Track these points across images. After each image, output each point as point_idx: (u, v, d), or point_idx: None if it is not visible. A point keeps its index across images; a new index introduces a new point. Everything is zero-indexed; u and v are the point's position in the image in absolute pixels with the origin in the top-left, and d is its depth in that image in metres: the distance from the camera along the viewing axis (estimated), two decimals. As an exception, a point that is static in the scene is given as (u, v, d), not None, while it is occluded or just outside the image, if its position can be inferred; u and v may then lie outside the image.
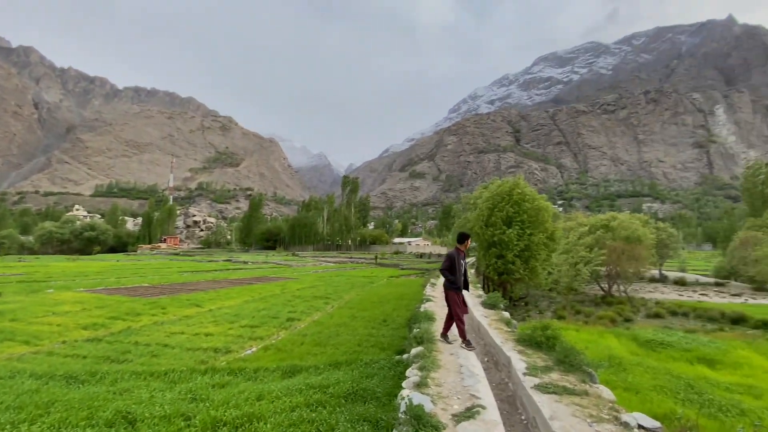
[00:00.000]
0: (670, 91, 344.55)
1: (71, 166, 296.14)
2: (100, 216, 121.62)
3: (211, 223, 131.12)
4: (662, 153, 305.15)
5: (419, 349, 5.92)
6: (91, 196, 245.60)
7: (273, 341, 10.24)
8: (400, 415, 3.34)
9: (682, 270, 42.10)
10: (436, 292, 16.02)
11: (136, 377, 6.24)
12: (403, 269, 40.08)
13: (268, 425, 4.10)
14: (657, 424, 3.28)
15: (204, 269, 37.88)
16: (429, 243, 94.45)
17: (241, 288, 21.86)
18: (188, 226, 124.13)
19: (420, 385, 4.31)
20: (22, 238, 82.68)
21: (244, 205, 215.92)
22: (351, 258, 58.79)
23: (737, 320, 19.18)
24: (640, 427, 3.23)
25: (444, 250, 68.29)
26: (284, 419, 4.23)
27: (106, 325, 12.08)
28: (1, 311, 13.07)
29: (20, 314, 13.11)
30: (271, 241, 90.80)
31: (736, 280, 33.88)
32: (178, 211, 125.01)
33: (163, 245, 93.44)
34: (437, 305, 11.82)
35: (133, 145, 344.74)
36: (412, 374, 4.76)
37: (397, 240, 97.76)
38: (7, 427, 4.17)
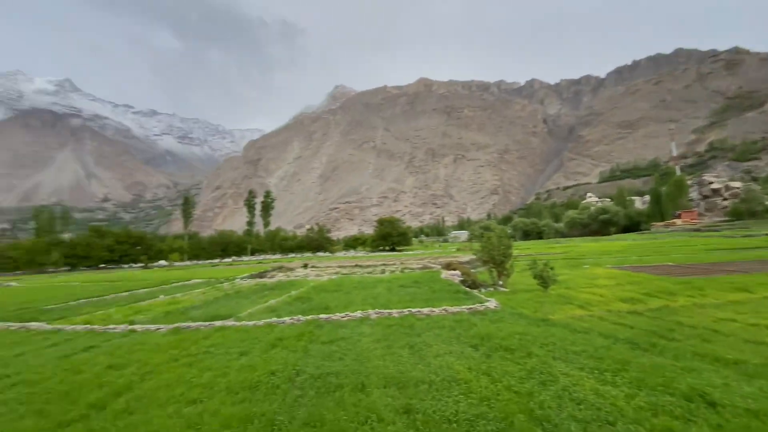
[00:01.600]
0: None
1: (577, 161, 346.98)
2: (609, 199, 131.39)
3: (737, 188, 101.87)
4: None
5: None
6: (598, 183, 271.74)
7: None
8: None
9: None
10: None
11: (700, 359, 5.90)
12: None
13: None
14: None
15: (740, 246, 29.94)
16: None
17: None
18: (705, 197, 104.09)
19: None
20: (555, 225, 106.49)
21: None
22: None
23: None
24: None
25: None
26: None
27: (642, 300, 12.52)
28: (559, 281, 17.31)
29: (570, 284, 16.68)
30: None
31: None
32: (689, 182, 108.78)
33: (678, 221, 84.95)
34: None
35: (625, 125, 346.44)
36: None
37: None
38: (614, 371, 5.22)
